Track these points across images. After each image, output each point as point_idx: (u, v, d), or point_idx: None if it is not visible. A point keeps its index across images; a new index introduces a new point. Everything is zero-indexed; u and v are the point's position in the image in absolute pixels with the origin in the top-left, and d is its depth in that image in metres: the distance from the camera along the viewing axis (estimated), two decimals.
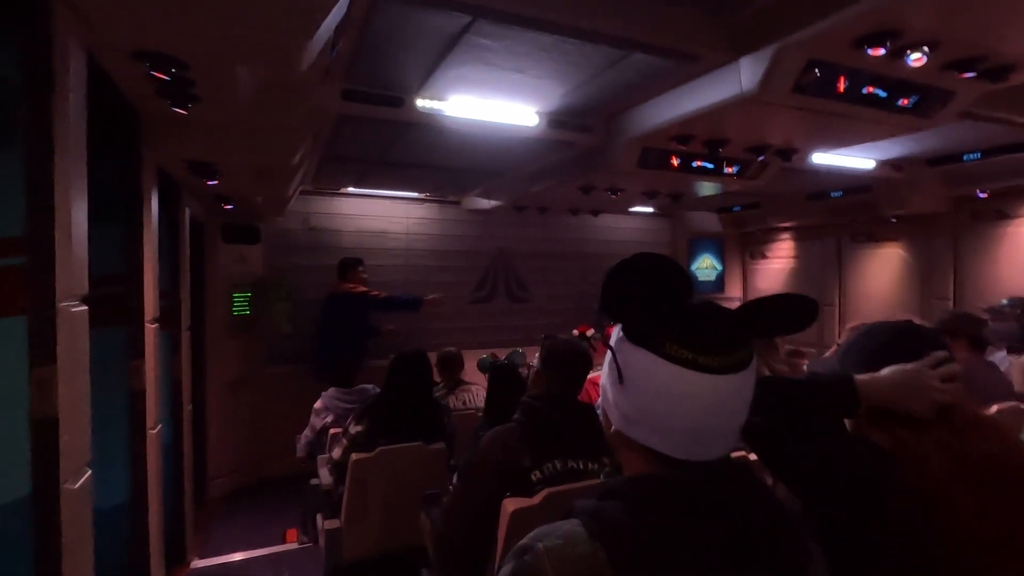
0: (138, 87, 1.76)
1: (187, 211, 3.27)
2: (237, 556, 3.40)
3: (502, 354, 4.14)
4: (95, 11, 1.29)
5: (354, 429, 2.46)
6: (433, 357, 3.53)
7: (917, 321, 1.17)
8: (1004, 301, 3.24)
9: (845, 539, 0.88)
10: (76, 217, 1.29)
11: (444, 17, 1.91)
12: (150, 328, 2.23)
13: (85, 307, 1.34)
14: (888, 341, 1.05)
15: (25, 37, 1.18)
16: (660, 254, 0.66)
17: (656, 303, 0.67)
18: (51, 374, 1.17)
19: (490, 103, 2.73)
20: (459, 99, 2.66)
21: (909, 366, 0.97)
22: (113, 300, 2.11)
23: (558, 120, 2.96)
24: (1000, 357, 2.67)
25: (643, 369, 0.68)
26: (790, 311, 0.70)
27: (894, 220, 4.94)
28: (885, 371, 0.99)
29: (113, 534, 2.05)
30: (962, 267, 4.67)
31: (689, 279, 0.67)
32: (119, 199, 2.16)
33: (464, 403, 3.24)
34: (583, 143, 3.20)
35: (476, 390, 3.31)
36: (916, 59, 1.84)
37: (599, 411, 0.79)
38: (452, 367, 3.42)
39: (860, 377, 0.99)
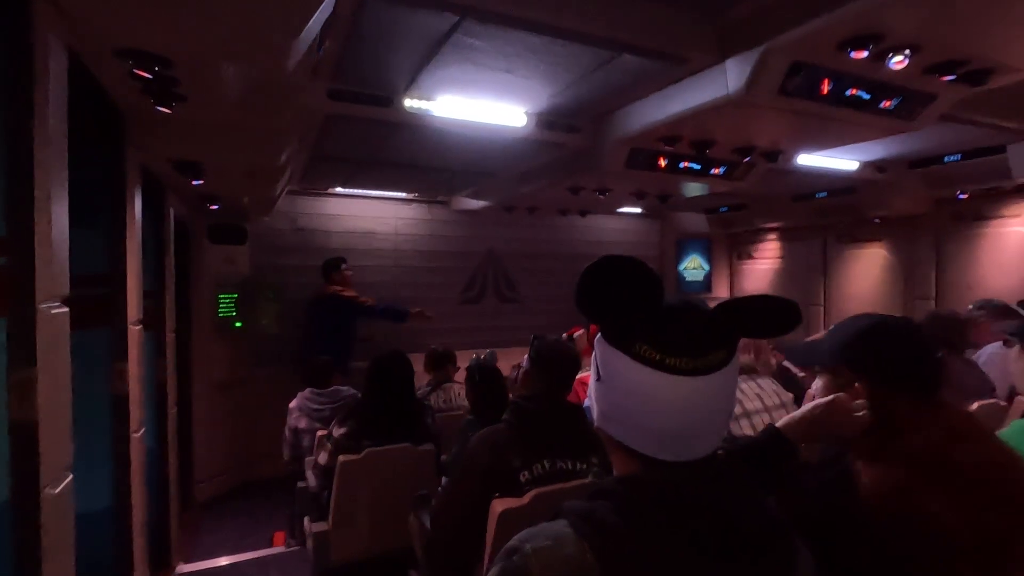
0: (121, 85, 1.73)
1: (172, 211, 3.23)
2: (223, 560, 3.36)
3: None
4: (76, 7, 1.27)
5: (337, 432, 2.44)
6: (419, 359, 3.53)
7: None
8: (970, 306, 3.27)
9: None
10: (57, 217, 1.26)
11: (432, 16, 1.90)
12: (134, 330, 2.20)
13: (66, 308, 1.31)
14: (866, 331, 1.05)
15: (4, 34, 1.15)
16: (631, 256, 0.66)
17: (629, 304, 0.67)
18: (31, 377, 1.15)
19: (479, 103, 2.73)
20: (447, 99, 2.66)
21: (820, 402, 1.05)
22: (96, 301, 2.07)
23: (547, 121, 2.97)
24: (996, 347, 2.69)
25: (616, 368, 0.69)
26: (767, 313, 0.70)
27: (877, 221, 5.02)
28: (800, 411, 1.08)
29: (96, 539, 2.02)
30: (943, 267, 4.75)
31: (659, 281, 0.67)
32: (102, 199, 2.12)
33: (445, 402, 3.24)
34: (572, 144, 3.21)
35: (457, 389, 3.31)
36: (898, 62, 1.87)
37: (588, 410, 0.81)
38: (441, 365, 3.41)
39: (780, 423, 1.08)
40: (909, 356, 1.00)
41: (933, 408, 0.96)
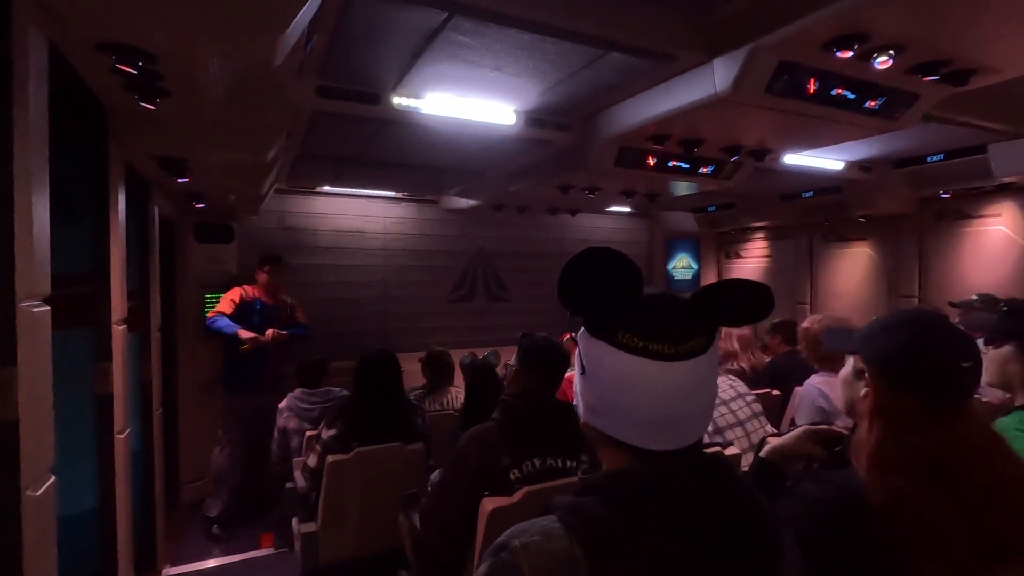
0: (104, 80, 1.71)
1: (157, 209, 3.19)
2: (210, 563, 3.33)
3: (482, 354, 4.15)
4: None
5: (326, 434, 2.42)
6: (409, 358, 3.51)
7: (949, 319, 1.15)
8: (974, 297, 3.36)
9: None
10: (37, 213, 1.24)
11: (421, 13, 1.89)
12: (118, 329, 2.16)
13: (47, 307, 1.29)
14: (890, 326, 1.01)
15: None
16: (610, 248, 0.67)
17: (610, 294, 0.68)
18: (11, 376, 1.13)
19: (468, 101, 2.72)
20: (436, 97, 2.64)
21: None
22: (80, 300, 2.04)
23: (536, 119, 2.97)
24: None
25: (600, 359, 0.70)
26: (741, 297, 0.72)
27: (863, 220, 5.08)
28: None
29: (79, 542, 1.98)
30: (927, 266, 4.82)
31: (639, 271, 0.69)
32: (85, 196, 2.09)
33: (442, 405, 3.22)
34: (561, 142, 3.21)
35: (455, 392, 3.30)
36: (882, 62, 1.89)
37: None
38: (440, 368, 3.38)
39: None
40: (924, 357, 0.92)
41: (947, 416, 0.89)
